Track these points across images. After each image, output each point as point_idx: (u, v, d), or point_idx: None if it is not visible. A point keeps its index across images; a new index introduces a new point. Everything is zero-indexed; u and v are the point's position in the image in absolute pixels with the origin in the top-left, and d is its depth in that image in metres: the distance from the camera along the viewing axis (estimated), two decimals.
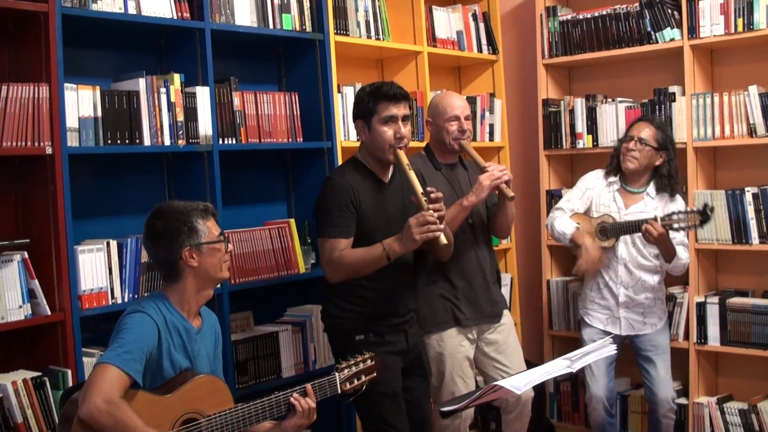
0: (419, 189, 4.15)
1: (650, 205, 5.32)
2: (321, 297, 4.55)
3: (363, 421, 4.44)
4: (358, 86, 5.55)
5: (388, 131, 4.29)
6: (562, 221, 5.42)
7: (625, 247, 5.33)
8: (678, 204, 5.33)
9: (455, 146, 4.95)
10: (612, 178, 5.45)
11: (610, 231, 5.29)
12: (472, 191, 4.75)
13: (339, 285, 4.33)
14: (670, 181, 5.35)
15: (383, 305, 4.37)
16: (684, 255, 5.26)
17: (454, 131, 4.93)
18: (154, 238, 3.65)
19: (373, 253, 4.17)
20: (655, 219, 5.03)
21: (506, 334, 5.10)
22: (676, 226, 5.03)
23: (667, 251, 5.18)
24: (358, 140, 5.46)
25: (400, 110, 4.31)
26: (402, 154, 4.30)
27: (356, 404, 4.35)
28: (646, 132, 5.29)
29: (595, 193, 5.48)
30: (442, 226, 4.07)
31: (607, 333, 5.35)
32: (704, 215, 5.00)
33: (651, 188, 5.38)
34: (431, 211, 4.06)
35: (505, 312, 5.14)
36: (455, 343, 4.94)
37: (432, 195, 4.12)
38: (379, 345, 4.28)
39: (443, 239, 4.08)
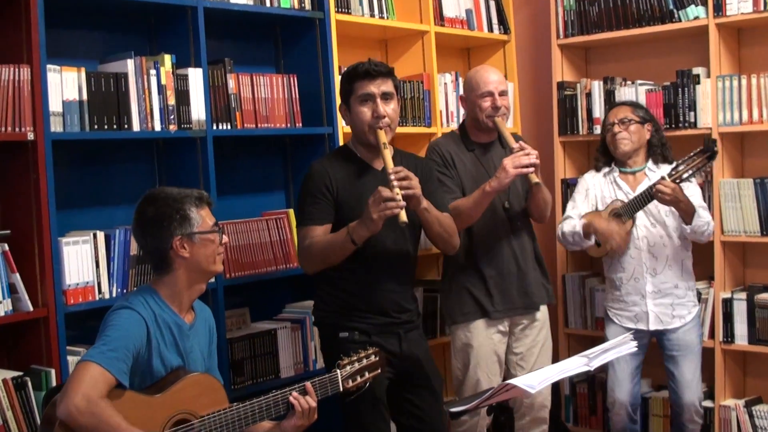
0: (389, 167, 4.13)
1: (654, 177, 5.33)
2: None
3: (345, 427, 4.42)
4: None
5: (366, 111, 4.28)
6: (567, 223, 5.45)
7: (646, 230, 5.32)
8: (667, 166, 5.39)
9: (489, 124, 4.94)
10: (607, 168, 5.49)
11: (623, 212, 5.28)
12: (495, 176, 4.72)
13: (322, 276, 4.34)
14: (662, 149, 5.43)
15: (365, 298, 4.31)
16: (706, 215, 5.26)
17: (487, 108, 4.91)
18: (143, 225, 3.63)
19: (338, 237, 4.16)
20: (663, 179, 5.03)
21: (538, 331, 5.12)
22: (686, 175, 5.05)
23: (687, 210, 5.16)
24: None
25: (378, 87, 4.28)
26: (381, 133, 4.25)
27: (342, 409, 4.33)
28: (623, 112, 5.39)
29: (597, 190, 5.49)
30: (402, 203, 4.01)
31: (637, 331, 5.31)
32: (709, 150, 5.02)
33: (650, 163, 5.43)
34: (393, 186, 4.02)
35: (542, 308, 5.15)
36: (484, 334, 4.96)
37: (401, 173, 4.09)
38: (365, 346, 4.13)
39: (403, 217, 4.01)
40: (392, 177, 4.05)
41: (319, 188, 4.27)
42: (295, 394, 3.69)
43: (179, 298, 3.66)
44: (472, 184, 4.86)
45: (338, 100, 5.29)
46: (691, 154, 5.06)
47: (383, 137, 4.24)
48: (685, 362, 5.36)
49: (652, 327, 5.35)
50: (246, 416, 3.58)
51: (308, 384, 3.74)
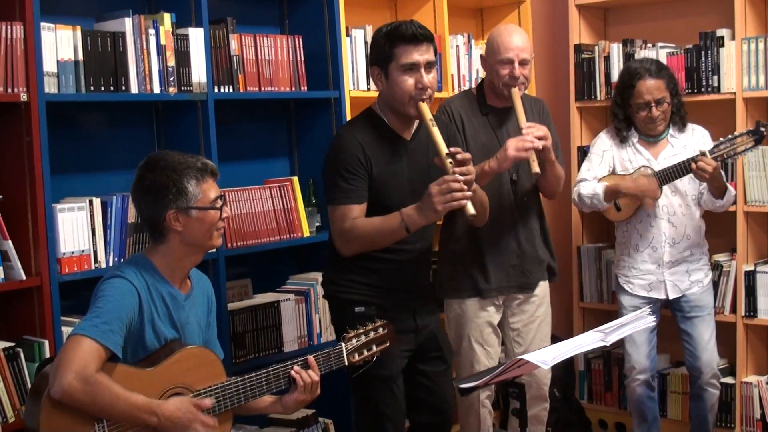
0: (443, 149, 3.95)
1: (678, 145, 5.36)
2: (324, 261, 4.49)
3: (355, 404, 4.41)
4: (369, 29, 5.52)
5: (409, 80, 4.07)
6: (587, 185, 5.40)
7: (667, 199, 5.32)
8: (696, 131, 5.43)
9: (504, 92, 4.85)
10: (627, 132, 5.44)
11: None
12: (496, 156, 4.66)
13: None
14: (681, 114, 5.41)
15: (394, 279, 4.25)
16: (732, 189, 5.30)
17: (505, 76, 4.81)
18: (140, 192, 3.62)
19: (390, 223, 4.01)
20: (703, 154, 5.00)
21: (536, 306, 5.10)
22: (732, 153, 5.05)
23: (720, 186, 5.19)
24: (370, 89, 5.46)
25: (422, 55, 4.08)
26: (425, 107, 4.09)
27: (350, 386, 4.33)
28: (660, 90, 5.27)
29: (614, 152, 5.46)
30: (469, 194, 3.87)
31: (651, 299, 5.33)
32: (758, 134, 5.01)
33: (671, 129, 5.41)
34: (456, 176, 3.86)
35: (541, 283, 5.12)
36: (477, 307, 4.95)
37: (458, 156, 3.91)
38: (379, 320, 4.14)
39: (470, 209, 3.88)
40: (453, 168, 3.89)
41: (353, 163, 4.09)
42: (296, 368, 3.68)
43: (173, 268, 3.65)
44: (481, 151, 4.78)
45: (347, 61, 5.30)
46: (737, 134, 5.07)
47: (428, 112, 4.08)
48: (702, 323, 5.41)
49: (672, 295, 5.37)
50: (244, 391, 3.58)
51: (311, 357, 3.73)
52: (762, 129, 5.04)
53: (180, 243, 3.62)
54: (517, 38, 4.83)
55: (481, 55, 5.02)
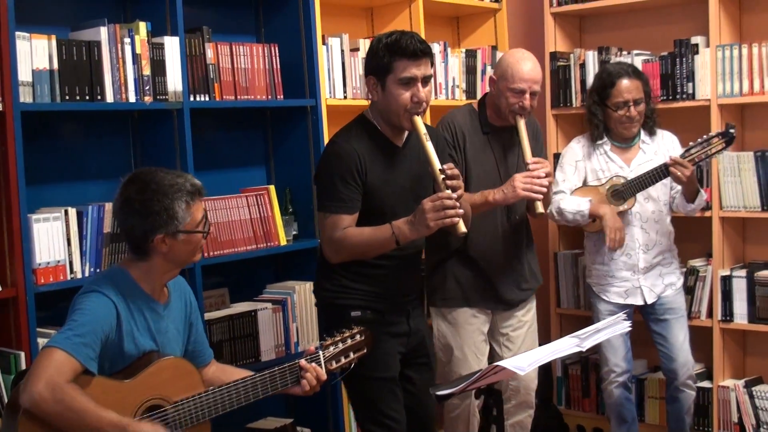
0: (437, 165, 3.96)
1: (649, 151, 5.39)
2: (315, 269, 4.48)
3: (355, 409, 4.39)
4: (345, 37, 5.53)
5: (405, 94, 4.07)
6: (569, 201, 5.38)
7: (639, 205, 5.35)
8: (665, 136, 5.46)
9: (510, 120, 4.80)
10: (600, 139, 5.44)
11: (626, 191, 5.27)
12: (502, 189, 4.64)
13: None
14: (653, 119, 5.42)
15: (387, 284, 4.24)
16: (702, 190, 5.33)
17: (514, 105, 4.76)
18: (126, 210, 3.56)
19: (380, 235, 4.02)
20: (676, 159, 5.05)
21: (525, 311, 5.12)
22: (703, 156, 5.09)
23: (694, 190, 5.24)
24: (347, 98, 5.46)
25: (420, 70, 4.08)
26: (419, 121, 4.09)
27: (348, 390, 4.33)
28: (637, 89, 5.29)
29: (586, 162, 5.47)
30: (461, 211, 3.88)
31: (626, 306, 5.35)
32: (727, 135, 5.05)
33: (642, 135, 5.43)
34: (451, 193, 3.88)
35: (531, 298, 5.14)
36: (467, 315, 4.94)
37: (449, 171, 3.93)
38: (378, 324, 4.17)
39: (462, 227, 3.91)
40: (446, 183, 3.90)
41: (349, 171, 4.08)
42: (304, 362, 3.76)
43: (152, 282, 3.63)
44: (480, 172, 4.81)
45: (323, 70, 5.29)
46: (707, 137, 5.10)
47: (422, 126, 4.07)
48: (677, 324, 5.43)
49: (649, 300, 5.40)
50: (223, 401, 3.57)
51: (302, 362, 3.77)
52: (731, 131, 5.08)
53: (162, 261, 3.60)
54: (531, 69, 4.78)
55: (491, 77, 4.93)
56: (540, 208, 4.65)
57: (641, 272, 5.38)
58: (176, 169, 3.68)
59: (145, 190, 3.52)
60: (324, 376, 3.80)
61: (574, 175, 5.45)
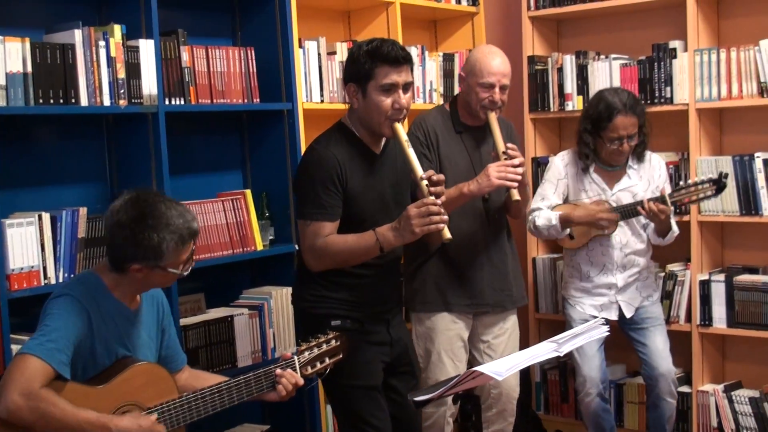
0: (419, 172, 3.99)
1: (634, 177, 5.38)
2: (293, 277, 4.46)
3: (338, 419, 4.38)
4: (322, 41, 5.52)
5: (386, 101, 4.06)
6: (542, 215, 5.37)
7: (619, 228, 5.33)
8: (653, 160, 5.42)
9: (481, 115, 4.83)
10: (589, 162, 5.41)
11: None
12: (476, 179, 4.65)
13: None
14: (644, 142, 5.37)
15: (367, 293, 4.23)
16: (675, 227, 5.35)
17: (484, 99, 4.79)
18: (116, 231, 3.52)
19: (364, 243, 4.02)
20: (662, 197, 5.06)
21: (504, 319, 5.12)
22: (691, 199, 5.15)
23: (666, 229, 5.27)
24: (323, 101, 5.44)
25: (401, 77, 4.08)
26: (400, 128, 4.09)
27: (331, 399, 4.32)
28: (633, 125, 5.22)
29: (569, 180, 5.45)
30: (446, 218, 3.90)
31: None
32: (719, 183, 5.05)
33: (631, 160, 5.40)
34: (435, 200, 3.90)
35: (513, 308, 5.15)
36: (447, 320, 4.93)
37: (434, 178, 3.97)
38: (358, 334, 4.17)
39: (447, 233, 3.91)
40: (429, 188, 3.93)
41: (330, 178, 4.07)
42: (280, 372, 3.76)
43: (123, 290, 3.62)
44: (454, 170, 4.80)
45: (299, 73, 5.28)
46: (698, 180, 5.12)
47: (403, 133, 4.09)
48: (657, 332, 5.44)
49: (628, 315, 5.42)
50: (197, 407, 3.56)
51: (278, 370, 3.75)
52: (724, 180, 5.08)
53: (135, 282, 3.59)
54: (499, 63, 4.82)
55: (460, 74, 4.97)
56: (516, 195, 4.65)
57: (618, 290, 5.40)
58: (180, 205, 3.62)
59: (140, 221, 3.48)
60: (301, 382, 3.80)
61: (554, 194, 5.43)
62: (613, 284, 5.37)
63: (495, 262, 4.99)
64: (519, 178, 4.61)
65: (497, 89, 4.78)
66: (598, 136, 5.28)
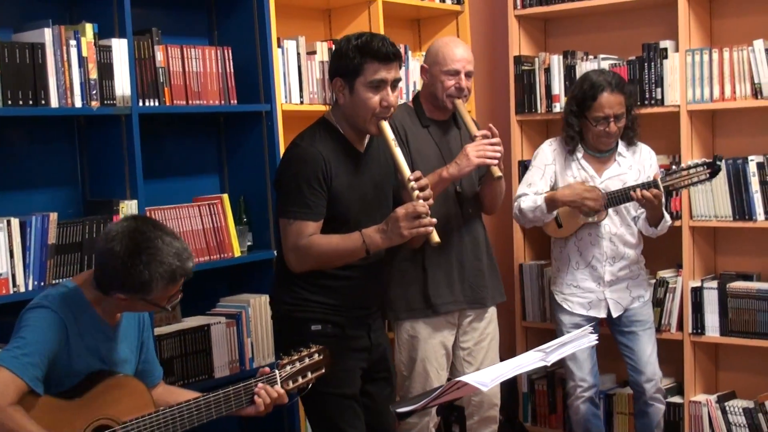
0: (407, 173, 4.01)
1: (624, 164, 5.39)
2: (272, 280, 4.44)
3: (313, 427, 4.36)
4: (302, 40, 5.52)
5: (374, 98, 4.06)
6: (527, 199, 5.39)
7: (608, 218, 5.35)
8: (643, 151, 5.45)
9: (448, 104, 4.88)
10: (576, 146, 5.44)
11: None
12: (455, 161, 4.67)
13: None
14: (634, 131, 5.41)
15: (349, 296, 4.23)
16: (668, 217, 5.37)
17: (450, 87, 4.84)
18: (107, 258, 3.48)
19: (349, 243, 4.03)
20: (655, 182, 5.07)
21: (487, 323, 5.11)
22: (684, 184, 5.14)
23: (658, 216, 5.26)
24: (303, 103, 5.44)
25: (390, 73, 4.09)
26: (387, 126, 4.11)
27: (306, 407, 4.30)
28: (620, 104, 5.25)
29: (556, 166, 5.46)
30: (434, 220, 3.92)
31: (590, 318, 5.37)
32: (714, 166, 5.07)
33: (621, 147, 5.42)
34: (422, 202, 3.91)
35: (492, 308, 5.14)
36: (431, 327, 4.93)
37: (423, 181, 4.00)
38: (339, 339, 4.17)
39: (436, 236, 3.93)
40: (413, 183, 3.96)
41: (315, 175, 4.05)
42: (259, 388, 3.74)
43: (103, 307, 3.60)
44: (425, 164, 4.78)
45: (278, 74, 5.27)
46: (692, 163, 5.12)
47: (390, 132, 4.10)
48: (644, 336, 5.44)
49: (615, 314, 5.42)
50: (174, 421, 3.54)
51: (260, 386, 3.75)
52: (719, 163, 5.08)
53: (120, 305, 3.59)
54: (462, 50, 4.89)
55: (422, 66, 5.01)
56: (497, 172, 4.68)
57: (606, 285, 5.39)
58: (178, 238, 3.60)
59: (134, 255, 3.45)
60: (285, 399, 3.77)
61: (541, 180, 5.45)
62: (601, 278, 5.37)
63: (474, 258, 5.01)
64: (498, 155, 4.66)
65: (463, 75, 4.85)
66: (583, 117, 5.32)
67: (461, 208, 4.95)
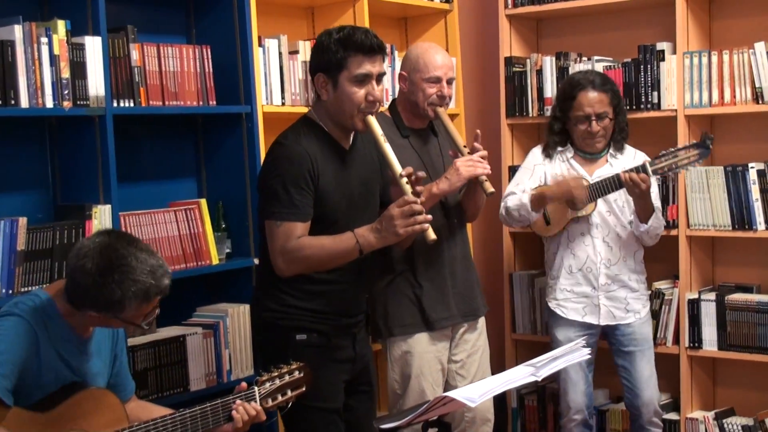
0: (398, 169, 4.02)
1: (617, 165, 5.39)
2: (255, 286, 4.43)
3: None
4: (284, 39, 5.51)
5: (359, 92, 4.07)
6: (513, 198, 5.42)
7: (601, 218, 5.36)
8: (638, 155, 5.46)
9: (429, 112, 4.88)
10: (554, 151, 5.47)
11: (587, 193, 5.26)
12: (445, 177, 4.68)
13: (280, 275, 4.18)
14: (624, 134, 5.44)
15: (335, 303, 4.23)
16: (662, 218, 5.39)
17: (432, 95, 4.84)
18: (79, 275, 3.46)
19: (342, 245, 4.03)
20: (643, 165, 5.09)
21: (476, 337, 5.11)
22: (674, 167, 5.14)
23: (647, 208, 5.26)
24: (285, 104, 5.43)
25: (375, 67, 4.10)
26: (374, 121, 4.11)
27: (286, 423, 4.29)
28: (602, 104, 5.30)
29: (546, 166, 5.48)
30: (430, 217, 3.94)
31: (587, 325, 5.37)
32: (703, 146, 5.07)
33: (611, 149, 5.45)
34: (417, 198, 3.93)
35: (482, 319, 5.14)
36: (425, 342, 4.91)
37: (418, 174, 4.02)
38: (324, 349, 4.17)
39: (431, 234, 3.95)
40: (406, 179, 3.98)
41: (302, 175, 4.05)
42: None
43: (77, 321, 3.58)
44: None
45: (259, 74, 5.26)
46: (681, 147, 5.14)
47: (378, 127, 4.11)
48: (643, 357, 5.44)
49: (603, 322, 5.40)
50: None
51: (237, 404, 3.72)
52: (708, 141, 5.07)
53: (92, 321, 3.57)
54: (443, 56, 4.91)
55: (401, 74, 5.00)
56: (491, 187, 4.69)
57: (602, 289, 5.38)
58: (154, 254, 3.56)
59: (106, 273, 3.42)
60: (263, 416, 3.75)
61: (529, 180, 5.47)
62: (596, 281, 5.37)
63: (461, 267, 5.02)
64: (488, 170, 4.68)
65: (444, 82, 4.86)
66: (567, 119, 5.37)
67: (447, 219, 4.94)
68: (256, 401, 3.77)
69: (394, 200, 4.03)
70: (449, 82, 4.89)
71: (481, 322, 5.14)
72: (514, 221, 5.47)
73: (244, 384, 3.80)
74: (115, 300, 3.42)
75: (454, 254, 4.98)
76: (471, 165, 4.65)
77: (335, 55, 4.08)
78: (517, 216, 5.39)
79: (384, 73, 4.17)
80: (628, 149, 5.46)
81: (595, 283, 5.38)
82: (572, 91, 5.31)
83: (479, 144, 4.72)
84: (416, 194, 3.96)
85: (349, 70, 4.07)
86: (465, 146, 4.74)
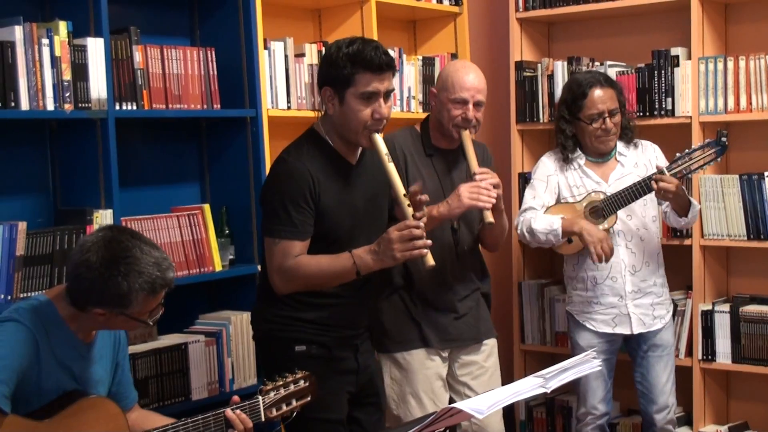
0: (401, 190, 4.02)
1: (628, 164, 5.41)
2: (256, 297, 4.44)
3: None
4: (290, 42, 5.52)
5: (365, 110, 4.08)
6: (541, 219, 5.37)
7: (623, 223, 5.35)
8: (647, 147, 5.50)
9: (454, 134, 4.85)
10: (573, 154, 5.46)
11: (606, 208, 5.26)
12: (446, 201, 4.66)
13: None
14: (630, 130, 5.46)
15: (336, 316, 4.24)
16: (694, 200, 5.36)
17: (457, 117, 4.82)
18: (83, 270, 3.46)
19: (339, 265, 4.04)
20: (661, 172, 5.07)
21: (486, 356, 5.09)
22: (691, 169, 5.11)
23: (684, 204, 5.25)
24: (290, 108, 5.44)
25: (383, 84, 4.10)
26: (379, 140, 4.11)
27: (288, 430, 4.28)
28: (611, 98, 5.33)
29: (559, 177, 5.47)
30: (429, 242, 3.94)
31: (614, 336, 5.39)
32: (719, 145, 5.07)
33: (620, 146, 5.45)
34: (418, 222, 3.93)
35: (491, 341, 5.13)
36: (423, 357, 4.91)
37: (419, 197, 4.01)
38: (324, 361, 4.18)
39: (431, 260, 3.96)
40: (408, 201, 3.97)
41: (302, 194, 4.06)
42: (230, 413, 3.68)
43: (78, 324, 3.59)
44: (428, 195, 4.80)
45: (264, 77, 5.27)
46: (696, 147, 5.12)
47: (383, 145, 4.10)
48: (660, 363, 5.43)
49: (636, 330, 5.38)
50: None
51: (228, 412, 3.68)
52: (724, 139, 5.06)
53: (97, 322, 3.57)
54: (474, 78, 4.85)
55: (432, 91, 4.99)
56: (489, 217, 4.66)
57: (629, 297, 5.35)
58: (157, 247, 3.58)
59: (111, 265, 3.44)
60: (250, 424, 3.73)
61: (545, 192, 5.46)
62: (622, 290, 5.34)
63: (463, 294, 5.00)
64: (493, 200, 4.63)
65: (471, 106, 4.81)
66: (577, 120, 5.37)
67: (455, 244, 4.94)
68: (260, 411, 3.77)
69: (399, 219, 4.04)
70: (477, 105, 4.84)
71: (489, 343, 5.12)
72: (536, 242, 5.43)
73: (236, 397, 3.78)
74: (121, 293, 3.43)
75: (458, 278, 4.97)
76: (474, 192, 4.61)
77: (343, 70, 4.08)
78: (543, 239, 5.36)
79: (392, 90, 4.17)
80: (638, 143, 5.48)
81: (622, 292, 5.35)
82: (582, 90, 5.31)
83: (488, 173, 4.69)
84: (419, 217, 3.96)
85: (356, 87, 4.07)
86: (474, 174, 4.70)
